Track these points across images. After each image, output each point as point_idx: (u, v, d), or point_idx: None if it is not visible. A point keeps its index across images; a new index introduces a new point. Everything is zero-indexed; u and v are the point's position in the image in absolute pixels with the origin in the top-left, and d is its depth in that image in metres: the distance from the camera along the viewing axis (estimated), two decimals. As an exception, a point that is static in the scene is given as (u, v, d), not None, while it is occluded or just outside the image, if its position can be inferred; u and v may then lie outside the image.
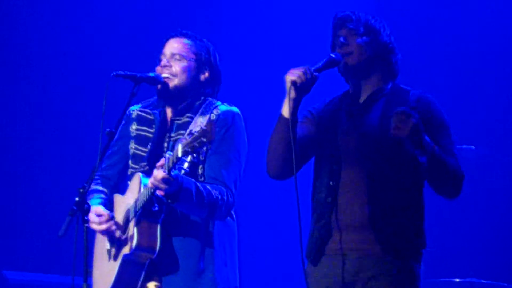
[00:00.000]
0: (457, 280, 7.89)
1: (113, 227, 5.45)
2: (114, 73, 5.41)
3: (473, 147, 8.11)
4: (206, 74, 5.60)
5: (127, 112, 5.65)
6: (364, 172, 4.90)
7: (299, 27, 9.61)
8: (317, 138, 5.04)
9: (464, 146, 8.04)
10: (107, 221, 5.43)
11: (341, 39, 4.96)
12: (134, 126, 5.67)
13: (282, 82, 4.86)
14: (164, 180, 5.05)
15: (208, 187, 5.30)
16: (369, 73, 5.01)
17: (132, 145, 5.66)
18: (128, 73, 5.45)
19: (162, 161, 5.10)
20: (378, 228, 4.84)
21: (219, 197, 5.33)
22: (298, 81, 4.77)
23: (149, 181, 5.16)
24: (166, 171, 5.04)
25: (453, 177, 4.84)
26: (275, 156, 4.93)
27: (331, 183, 4.97)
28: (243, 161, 5.54)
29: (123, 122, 5.65)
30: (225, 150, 5.43)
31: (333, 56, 4.93)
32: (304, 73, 4.76)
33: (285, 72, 4.82)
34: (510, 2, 9.24)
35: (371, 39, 4.96)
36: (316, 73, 4.81)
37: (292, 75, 4.76)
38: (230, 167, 5.46)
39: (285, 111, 4.83)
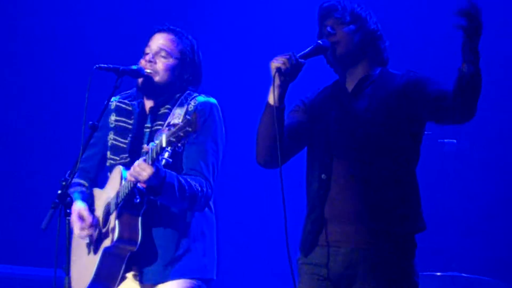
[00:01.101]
0: (439, 274, 7.85)
1: (94, 233, 5.51)
2: (96, 66, 5.41)
3: (455, 140, 8.14)
4: (189, 74, 5.60)
5: (108, 103, 5.58)
6: (356, 163, 4.88)
7: (283, 19, 9.55)
8: (309, 128, 5.02)
9: (446, 140, 8.06)
10: (89, 227, 5.46)
11: (328, 28, 4.94)
12: (113, 117, 5.70)
13: (266, 72, 4.87)
14: (142, 169, 5.09)
15: (188, 179, 5.35)
16: (357, 61, 4.99)
17: (111, 136, 5.69)
18: (111, 66, 5.46)
19: (145, 147, 5.19)
20: (371, 220, 4.83)
21: (199, 189, 5.38)
22: (283, 67, 4.73)
23: (129, 172, 5.20)
24: (150, 162, 5.05)
25: (477, 97, 4.75)
26: (264, 145, 4.92)
27: (323, 176, 4.94)
28: (220, 152, 5.58)
29: (105, 113, 5.62)
30: (203, 141, 5.46)
31: (321, 42, 4.93)
32: (289, 59, 4.73)
33: (268, 61, 4.80)
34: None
35: (357, 27, 4.95)
36: (301, 60, 4.79)
37: (277, 62, 4.74)
38: (208, 158, 5.49)
39: (271, 98, 4.81)
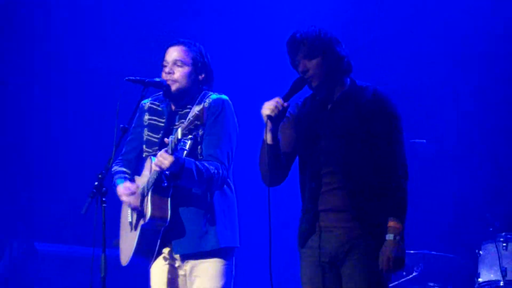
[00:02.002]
0: (412, 251, 7.90)
1: (138, 198, 5.48)
2: (126, 78, 5.46)
3: (424, 141, 8.13)
4: (203, 75, 5.60)
5: (140, 105, 5.65)
6: (338, 164, 4.87)
7: (284, 25, 9.09)
8: (297, 138, 5.01)
9: (417, 141, 8.06)
10: (135, 192, 5.47)
11: (300, 68, 4.88)
12: (146, 117, 5.67)
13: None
14: (164, 158, 5.14)
15: (206, 164, 5.32)
16: (330, 84, 4.91)
17: (146, 133, 5.66)
18: (138, 78, 5.50)
19: (166, 141, 5.21)
20: (355, 209, 4.82)
21: (215, 171, 5.34)
22: (273, 114, 4.75)
23: (154, 162, 5.24)
24: (170, 152, 5.11)
25: None
26: (265, 172, 4.95)
27: (312, 185, 4.97)
28: (233, 139, 5.53)
29: (137, 113, 5.67)
30: (217, 131, 5.43)
31: (298, 81, 4.90)
32: (276, 106, 4.74)
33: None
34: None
35: (323, 58, 4.85)
36: (286, 103, 4.78)
37: (266, 110, 4.77)
38: (222, 145, 5.45)
39: (267, 138, 4.84)
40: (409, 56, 9.03)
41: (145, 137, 5.66)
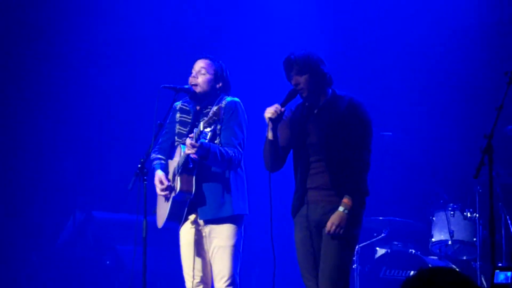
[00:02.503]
0: (381, 218, 7.90)
1: (167, 192, 5.58)
2: (162, 86, 5.56)
3: (390, 133, 8.09)
4: (220, 84, 5.64)
5: (173, 106, 5.72)
6: (323, 155, 5.00)
7: (289, 30, 9.09)
8: (291, 135, 5.14)
9: (385, 133, 8.04)
10: (165, 189, 5.58)
11: (293, 82, 5.03)
12: (178, 115, 5.71)
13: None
14: (192, 145, 5.21)
15: (226, 148, 5.42)
16: (316, 94, 5.05)
17: (177, 127, 5.71)
18: (172, 85, 5.59)
19: (191, 135, 5.29)
20: (336, 188, 4.95)
21: (233, 154, 5.43)
22: (272, 116, 4.93)
23: (185, 147, 5.30)
24: (194, 140, 5.23)
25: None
26: (267, 161, 5.08)
27: (302, 169, 5.07)
28: (244, 132, 5.58)
29: (171, 113, 5.74)
30: (232, 125, 5.50)
31: (291, 92, 5.03)
32: (275, 111, 4.91)
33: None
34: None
35: (311, 74, 5.00)
36: (283, 108, 4.94)
37: (267, 113, 4.93)
38: (237, 135, 5.52)
39: (269, 135, 4.99)
40: (378, 56, 8.82)
41: (177, 131, 5.71)
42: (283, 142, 5.12)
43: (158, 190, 5.62)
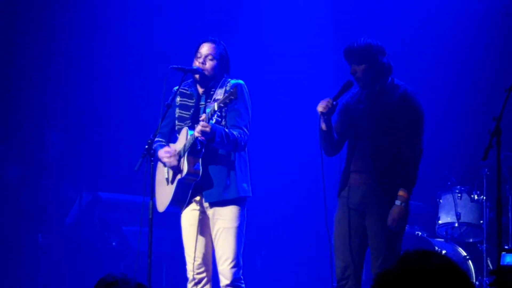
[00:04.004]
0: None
1: (176, 158, 5.54)
2: (170, 67, 5.52)
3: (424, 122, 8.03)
4: (225, 66, 5.67)
5: (173, 90, 5.69)
6: (371, 140, 5.12)
7: (295, 26, 9.11)
8: (348, 122, 5.26)
9: None
10: (173, 155, 5.56)
11: (351, 70, 5.14)
12: (178, 99, 5.67)
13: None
14: (205, 126, 5.21)
15: (231, 131, 5.42)
16: (373, 83, 5.16)
17: (178, 111, 5.68)
18: (180, 66, 5.56)
19: (203, 116, 5.28)
20: (378, 174, 5.08)
21: (239, 136, 5.43)
22: (324, 111, 5.07)
23: (196, 130, 5.29)
24: (206, 121, 5.24)
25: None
26: (324, 148, 5.24)
27: (349, 152, 5.24)
28: (250, 114, 5.58)
29: (171, 96, 5.67)
30: (238, 108, 5.48)
31: (346, 84, 5.13)
32: (327, 105, 5.05)
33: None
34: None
35: (369, 64, 5.10)
36: (335, 102, 5.07)
37: (319, 107, 5.08)
38: (242, 117, 5.53)
39: (322, 126, 5.13)
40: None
41: (177, 114, 5.70)
42: (339, 128, 5.27)
43: (165, 159, 5.58)
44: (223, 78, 5.64)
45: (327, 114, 5.08)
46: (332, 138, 5.21)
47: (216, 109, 5.21)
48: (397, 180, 5.04)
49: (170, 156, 5.56)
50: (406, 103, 5.09)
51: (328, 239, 5.19)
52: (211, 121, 5.26)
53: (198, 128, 5.26)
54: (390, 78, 5.20)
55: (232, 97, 5.16)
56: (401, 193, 5.00)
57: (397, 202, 4.98)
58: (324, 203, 5.11)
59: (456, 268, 2.16)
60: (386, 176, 5.05)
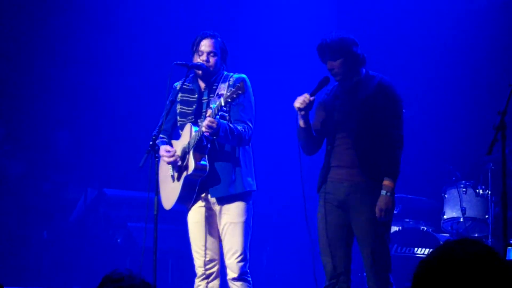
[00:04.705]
0: None
1: (177, 158, 5.58)
2: (174, 63, 5.50)
3: (404, 110, 8.05)
4: (224, 59, 5.63)
5: (173, 86, 5.73)
6: (350, 132, 5.07)
7: (298, 24, 9.10)
8: (325, 118, 5.22)
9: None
10: (173, 154, 5.60)
11: (328, 67, 5.11)
12: (179, 95, 5.64)
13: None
14: (212, 121, 5.19)
15: (236, 125, 5.41)
16: (351, 75, 5.12)
17: (179, 107, 5.67)
18: (184, 62, 5.56)
19: (209, 111, 5.25)
20: (360, 167, 5.01)
21: (243, 130, 5.42)
22: (302, 107, 5.02)
23: (203, 124, 5.26)
24: (213, 116, 5.22)
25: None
26: (302, 146, 5.21)
27: (328, 147, 5.18)
28: (253, 107, 5.57)
29: (172, 92, 5.71)
30: (242, 102, 5.44)
31: (322, 80, 5.10)
32: (303, 101, 5.00)
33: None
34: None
35: (344, 59, 5.05)
36: (312, 97, 5.02)
37: (297, 103, 5.03)
38: (246, 111, 5.52)
39: (300, 123, 5.10)
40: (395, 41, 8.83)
41: (178, 110, 5.69)
42: (317, 126, 5.22)
43: (165, 159, 5.58)
44: (224, 72, 5.64)
45: (304, 110, 5.03)
46: (310, 135, 5.17)
47: (223, 104, 5.19)
48: (380, 170, 4.99)
49: (170, 156, 5.58)
50: (383, 91, 5.05)
51: (309, 237, 5.13)
52: (217, 116, 5.25)
53: (205, 122, 5.24)
54: (364, 70, 5.16)
55: (240, 92, 5.14)
56: (386, 182, 4.94)
57: (383, 192, 4.92)
58: (304, 201, 5.09)
59: (497, 255, 2.19)
60: (370, 168, 4.99)
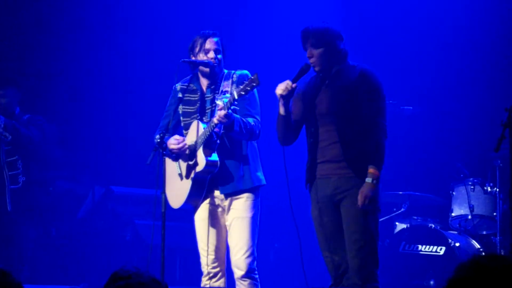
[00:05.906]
0: (400, 192, 7.95)
1: (186, 146, 5.54)
2: (182, 60, 5.54)
3: (411, 107, 8.07)
4: (225, 56, 5.68)
5: (173, 87, 5.71)
6: (333, 125, 5.01)
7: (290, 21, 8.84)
8: (304, 108, 5.16)
9: (405, 107, 8.01)
10: (182, 141, 5.55)
11: (307, 54, 5.05)
12: (180, 95, 5.59)
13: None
14: (225, 115, 5.18)
15: (247, 119, 5.42)
16: (329, 68, 5.07)
17: (181, 107, 5.65)
18: (191, 60, 5.59)
19: (220, 104, 5.23)
20: (348, 160, 4.97)
21: (254, 124, 5.43)
22: (283, 93, 4.97)
23: (215, 116, 5.26)
24: (226, 109, 5.19)
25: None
26: (281, 136, 5.18)
27: (311, 140, 5.13)
28: (258, 101, 5.58)
29: (172, 93, 5.73)
30: (248, 97, 5.38)
31: (304, 68, 5.04)
32: (286, 87, 4.96)
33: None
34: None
35: (326, 49, 5.00)
36: (294, 84, 4.97)
37: (278, 90, 4.99)
38: (253, 105, 5.52)
39: (280, 110, 5.05)
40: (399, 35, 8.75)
41: (181, 111, 5.68)
42: (296, 116, 5.16)
43: (174, 146, 5.55)
44: (225, 70, 5.64)
45: (286, 97, 4.98)
46: (290, 124, 5.11)
47: (236, 97, 5.17)
48: (366, 160, 4.94)
49: (179, 143, 5.54)
50: (364, 79, 4.99)
51: (297, 235, 5.17)
52: (229, 110, 5.23)
53: (219, 113, 5.22)
54: (343, 63, 5.10)
55: (254, 84, 5.10)
56: (370, 170, 4.88)
57: (368, 180, 4.86)
58: (289, 197, 5.14)
59: None
60: (355, 160, 4.94)
